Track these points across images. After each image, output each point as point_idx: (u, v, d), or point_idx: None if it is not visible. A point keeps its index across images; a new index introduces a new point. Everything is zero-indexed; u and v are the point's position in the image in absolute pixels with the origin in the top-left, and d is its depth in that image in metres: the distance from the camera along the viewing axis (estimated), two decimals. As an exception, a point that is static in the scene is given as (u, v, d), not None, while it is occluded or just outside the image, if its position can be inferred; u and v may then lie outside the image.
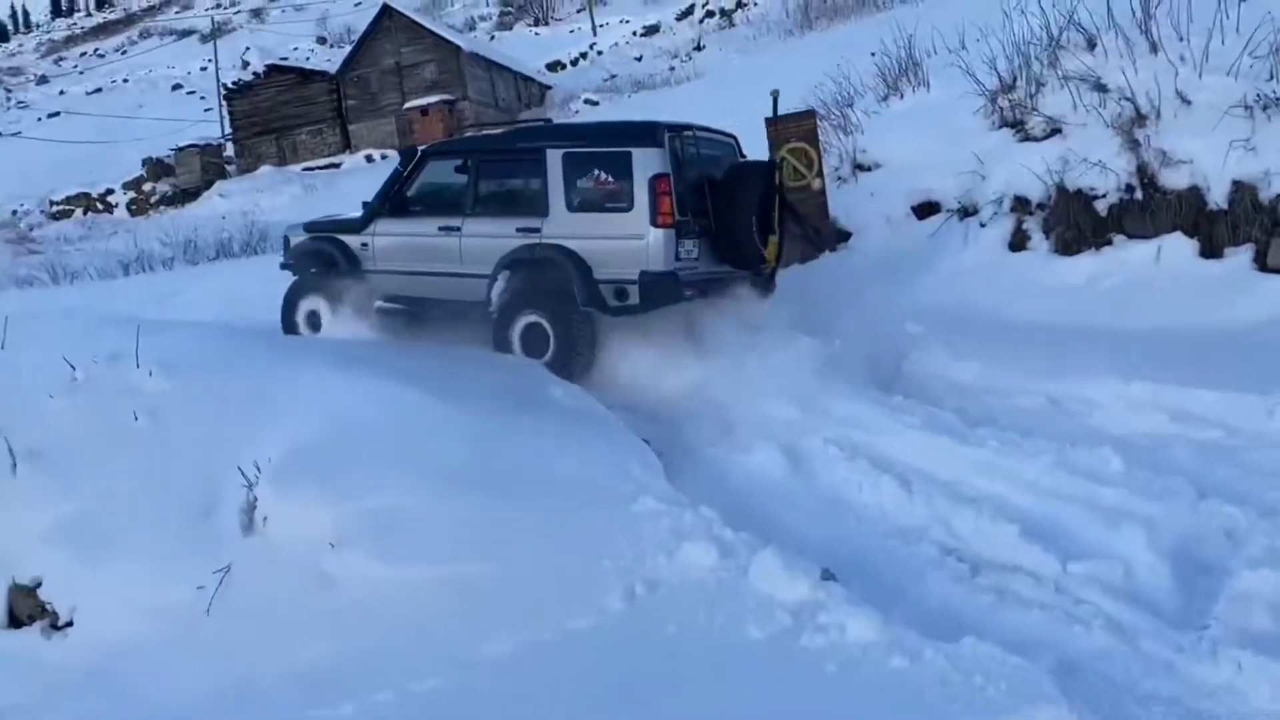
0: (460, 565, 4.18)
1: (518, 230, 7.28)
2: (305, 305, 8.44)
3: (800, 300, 7.47)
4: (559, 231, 7.11)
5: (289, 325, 8.44)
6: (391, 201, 8.11)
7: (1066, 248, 7.74)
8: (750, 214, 7.26)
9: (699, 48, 41.10)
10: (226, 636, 4.20)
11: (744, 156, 7.98)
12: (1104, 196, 7.53)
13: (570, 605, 3.85)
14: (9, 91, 68.42)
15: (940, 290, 7.93)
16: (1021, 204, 8.11)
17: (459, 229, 7.61)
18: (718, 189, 7.36)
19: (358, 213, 8.30)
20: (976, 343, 6.79)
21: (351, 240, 8.23)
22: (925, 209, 8.91)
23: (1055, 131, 8.10)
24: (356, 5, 65.73)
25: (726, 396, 6.21)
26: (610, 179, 6.98)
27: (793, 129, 9.47)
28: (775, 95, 7.96)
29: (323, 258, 8.32)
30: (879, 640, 3.30)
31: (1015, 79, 8.73)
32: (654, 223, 6.78)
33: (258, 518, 4.62)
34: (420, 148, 8.62)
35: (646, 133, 7.05)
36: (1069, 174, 7.70)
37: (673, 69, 37.46)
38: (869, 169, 9.71)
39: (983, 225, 8.26)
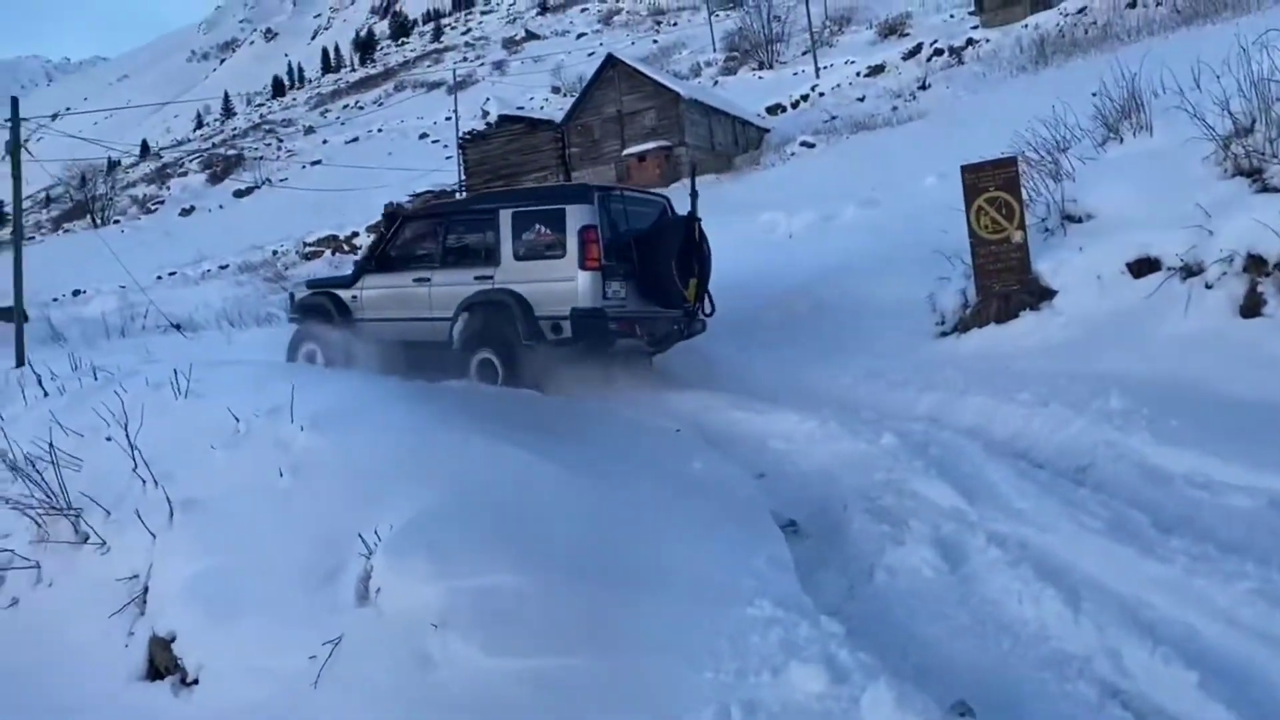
0: (557, 659, 3.92)
1: (475, 278, 8.65)
2: (305, 349, 9.87)
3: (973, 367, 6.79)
4: (508, 278, 8.46)
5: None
6: (377, 259, 9.66)
7: (1310, 315, 6.67)
8: (670, 259, 8.42)
9: (924, 86, 39.70)
10: (328, 714, 4.12)
11: (674, 214, 9.23)
12: (1358, 257, 6.45)
13: (662, 718, 3.51)
14: (280, 141, 75.73)
15: (1154, 359, 7.00)
16: (1256, 263, 7.05)
17: (429, 280, 8.97)
18: (642, 239, 8.59)
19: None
20: (1190, 424, 5.89)
21: (344, 293, 9.78)
22: (1142, 266, 7.92)
23: (1300, 181, 7.04)
24: (589, 55, 68.46)
25: (885, 477, 5.69)
26: (548, 231, 8.27)
27: (990, 177, 8.77)
28: (693, 176, 8.89)
29: (320, 309, 9.84)
30: (996, 814, 2.77)
31: (1253, 122, 7.68)
32: (583, 266, 7.98)
33: (372, 588, 4.54)
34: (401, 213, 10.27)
35: (579, 193, 8.56)
36: (1315, 230, 6.64)
37: (895, 109, 36.34)
38: (1079, 220, 8.80)
39: (1208, 286, 7.25)
